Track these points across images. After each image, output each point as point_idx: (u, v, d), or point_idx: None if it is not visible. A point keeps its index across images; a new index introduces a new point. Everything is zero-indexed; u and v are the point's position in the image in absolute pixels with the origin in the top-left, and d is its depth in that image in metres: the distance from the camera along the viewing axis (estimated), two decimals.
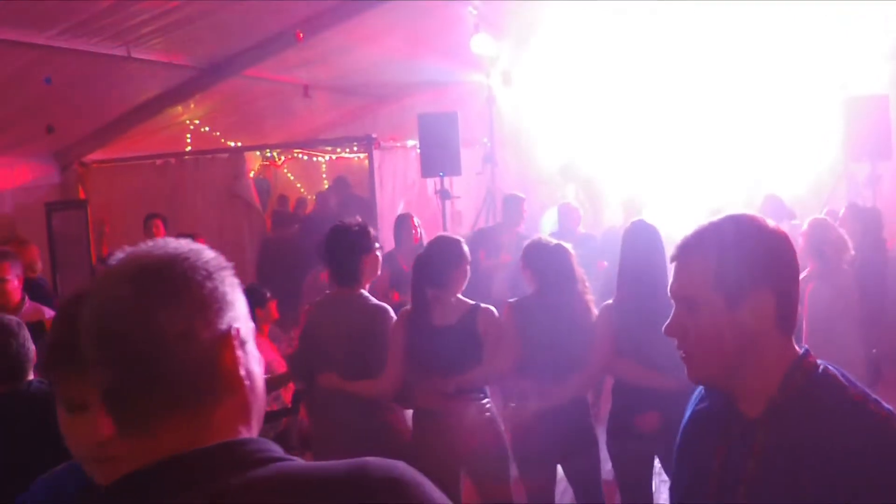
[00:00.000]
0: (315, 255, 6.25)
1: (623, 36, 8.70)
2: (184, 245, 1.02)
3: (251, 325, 1.05)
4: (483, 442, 3.65)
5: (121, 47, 6.32)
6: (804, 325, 4.40)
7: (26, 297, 4.42)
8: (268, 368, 4.51)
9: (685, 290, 1.49)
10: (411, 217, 6.31)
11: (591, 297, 3.90)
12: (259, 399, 1.05)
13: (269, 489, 0.92)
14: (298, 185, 12.25)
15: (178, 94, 7.79)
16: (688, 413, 1.64)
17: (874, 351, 5.01)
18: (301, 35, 7.21)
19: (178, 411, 0.97)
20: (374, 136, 7.70)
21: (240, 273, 1.06)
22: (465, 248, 3.77)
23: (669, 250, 1.61)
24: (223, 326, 1.00)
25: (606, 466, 3.94)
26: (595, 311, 3.83)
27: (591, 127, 9.28)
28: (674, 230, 3.47)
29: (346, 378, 3.69)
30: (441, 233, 4.99)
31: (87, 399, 1.29)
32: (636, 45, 8.81)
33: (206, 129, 8.93)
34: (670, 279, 1.54)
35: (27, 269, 4.95)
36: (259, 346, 1.08)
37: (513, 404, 3.96)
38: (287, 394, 5.09)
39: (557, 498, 4.16)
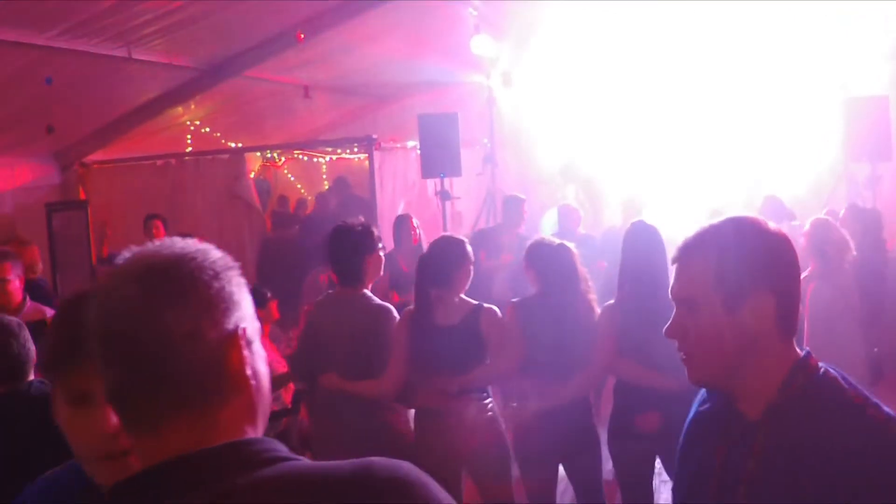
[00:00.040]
0: (315, 256, 6.25)
1: (623, 36, 8.69)
2: (191, 245, 1.02)
3: (257, 324, 1.06)
4: (484, 441, 3.65)
5: (121, 48, 6.33)
6: (805, 325, 4.40)
7: (27, 298, 4.41)
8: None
9: (686, 291, 1.50)
10: (410, 218, 6.30)
11: (594, 297, 3.90)
12: (265, 399, 1.05)
13: (275, 489, 0.93)
14: (299, 186, 12.24)
15: (178, 95, 7.79)
16: (691, 414, 1.65)
17: (875, 350, 5.01)
18: (301, 35, 7.21)
19: (185, 411, 0.97)
20: (374, 136, 7.68)
21: None
22: (469, 248, 3.77)
23: (670, 252, 1.61)
24: (230, 326, 1.00)
25: (607, 466, 3.95)
26: (598, 311, 3.83)
27: (591, 127, 9.26)
28: (674, 231, 3.47)
29: (348, 378, 3.69)
30: (444, 233, 4.98)
31: (93, 390, 1.26)
32: (636, 45, 8.81)
33: (207, 129, 8.93)
34: (671, 280, 1.55)
35: (28, 269, 4.93)
36: None
37: (514, 404, 3.96)
38: (287, 394, 5.09)
39: (558, 497, 4.16)
